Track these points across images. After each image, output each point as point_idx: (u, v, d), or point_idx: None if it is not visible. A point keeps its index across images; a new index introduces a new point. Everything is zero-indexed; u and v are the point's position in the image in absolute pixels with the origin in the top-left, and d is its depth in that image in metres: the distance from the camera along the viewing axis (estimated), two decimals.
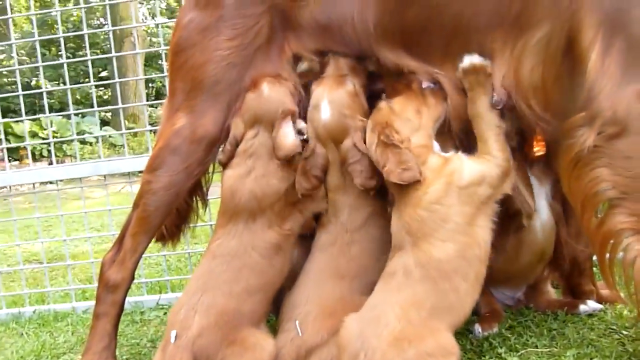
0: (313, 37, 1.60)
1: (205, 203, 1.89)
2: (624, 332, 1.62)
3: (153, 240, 1.88)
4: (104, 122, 11.37)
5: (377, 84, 1.65)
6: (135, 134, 9.88)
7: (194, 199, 1.85)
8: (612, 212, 1.31)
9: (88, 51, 2.61)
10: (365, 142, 1.50)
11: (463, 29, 1.46)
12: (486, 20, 1.43)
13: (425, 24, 1.49)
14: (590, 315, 1.75)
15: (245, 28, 1.59)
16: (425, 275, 1.32)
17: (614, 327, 1.66)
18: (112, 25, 2.63)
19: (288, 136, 1.54)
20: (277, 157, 1.54)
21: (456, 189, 1.37)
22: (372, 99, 1.59)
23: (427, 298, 1.30)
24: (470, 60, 1.45)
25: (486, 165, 1.41)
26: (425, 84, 1.52)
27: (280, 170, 1.56)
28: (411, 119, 1.47)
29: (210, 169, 1.76)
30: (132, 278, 1.67)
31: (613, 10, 1.31)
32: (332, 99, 1.55)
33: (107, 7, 2.54)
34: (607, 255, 1.34)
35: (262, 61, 1.61)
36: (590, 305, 1.77)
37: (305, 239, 1.65)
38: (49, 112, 2.67)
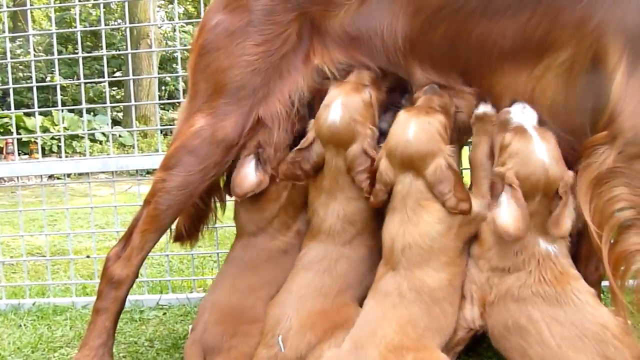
0: (340, 48, 1.59)
1: (223, 205, 1.87)
2: None
3: (170, 240, 1.90)
4: (114, 122, 11.40)
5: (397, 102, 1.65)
6: (145, 136, 9.93)
7: (212, 200, 1.84)
8: (627, 233, 1.30)
9: (104, 47, 2.61)
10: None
11: (488, 49, 1.46)
12: (511, 42, 1.44)
13: (453, 42, 1.49)
14: None
15: (274, 34, 1.57)
16: (418, 299, 1.39)
17: None
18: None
19: (248, 177, 1.59)
20: (235, 194, 1.60)
21: (458, 224, 1.42)
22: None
23: (421, 319, 1.37)
24: (484, 109, 1.50)
25: (479, 206, 1.45)
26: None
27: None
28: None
29: None
30: (137, 275, 1.65)
31: (638, 32, 1.31)
32: (346, 101, 1.51)
33: (126, 5, 2.55)
34: (620, 278, 1.32)
35: (288, 68, 1.59)
36: None
37: None
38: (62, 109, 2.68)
